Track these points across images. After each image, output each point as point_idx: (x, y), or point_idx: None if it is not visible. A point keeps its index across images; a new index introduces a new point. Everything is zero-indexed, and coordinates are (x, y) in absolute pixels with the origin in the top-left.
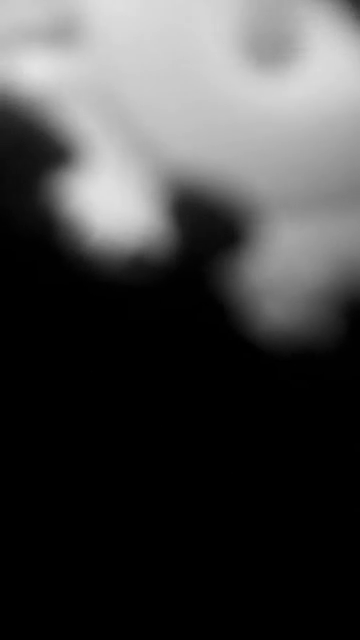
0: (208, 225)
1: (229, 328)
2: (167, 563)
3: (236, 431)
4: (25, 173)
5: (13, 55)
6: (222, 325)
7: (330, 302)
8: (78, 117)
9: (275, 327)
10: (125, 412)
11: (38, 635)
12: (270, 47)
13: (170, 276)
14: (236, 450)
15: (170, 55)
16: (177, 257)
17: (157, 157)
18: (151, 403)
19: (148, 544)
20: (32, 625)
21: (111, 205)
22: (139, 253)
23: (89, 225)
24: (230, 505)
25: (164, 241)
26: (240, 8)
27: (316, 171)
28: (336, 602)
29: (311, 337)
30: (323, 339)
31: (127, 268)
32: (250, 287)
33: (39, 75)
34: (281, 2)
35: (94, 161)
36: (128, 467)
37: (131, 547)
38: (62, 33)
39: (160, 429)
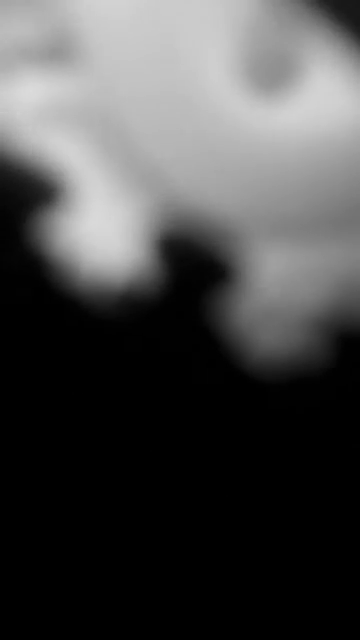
0: (198, 258)
1: (221, 360)
2: (166, 571)
3: (231, 461)
4: (12, 211)
5: (6, 75)
6: (214, 358)
7: (323, 329)
8: (70, 144)
9: (268, 356)
10: (116, 446)
11: (38, 635)
12: (269, 70)
13: (160, 311)
14: (231, 481)
15: (168, 77)
16: (167, 292)
17: (151, 188)
18: (143, 437)
19: (144, 557)
20: (32, 625)
21: (100, 241)
22: (128, 289)
23: (78, 262)
24: (224, 530)
25: (153, 276)
26: (239, 31)
27: (310, 197)
28: (336, 603)
29: (304, 365)
30: (316, 366)
31: (116, 304)
32: (242, 318)
33: (32, 98)
34: (280, 25)
35: (84, 195)
36: (123, 498)
37: (129, 555)
38: (57, 52)
39: (153, 462)
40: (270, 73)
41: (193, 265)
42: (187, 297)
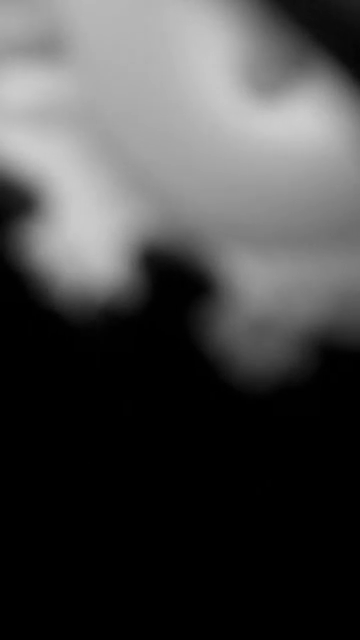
0: (182, 270)
1: (203, 373)
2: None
3: (212, 472)
4: None
5: None
6: (196, 370)
7: (312, 342)
8: (53, 149)
9: (252, 369)
10: (94, 458)
11: (38, 635)
12: (263, 78)
13: (142, 324)
14: (217, 491)
15: (158, 80)
16: (149, 304)
17: (136, 196)
18: (123, 450)
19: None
20: (32, 625)
21: (80, 253)
22: (109, 301)
23: (58, 274)
24: (213, 536)
25: (135, 288)
26: (234, 35)
27: (303, 209)
28: (322, 609)
29: (291, 378)
30: (304, 379)
31: (97, 317)
32: (226, 330)
33: (17, 98)
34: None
35: (65, 204)
36: (109, 506)
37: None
38: (46, 49)
39: (136, 475)
40: (265, 81)
41: (177, 277)
42: (170, 309)
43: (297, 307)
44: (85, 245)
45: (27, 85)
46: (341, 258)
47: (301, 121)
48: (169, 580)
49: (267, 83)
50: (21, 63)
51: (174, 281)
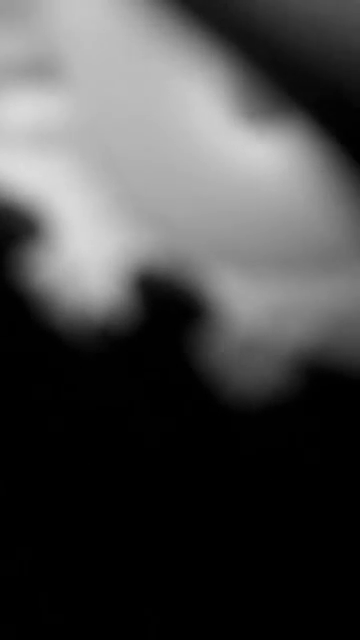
0: (177, 293)
1: (198, 393)
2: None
3: (204, 490)
4: None
5: None
6: (191, 391)
7: (302, 364)
8: (52, 172)
9: (244, 391)
10: (93, 478)
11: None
12: (253, 106)
13: (139, 345)
14: (207, 508)
15: (154, 105)
16: (146, 326)
17: (133, 221)
18: (120, 470)
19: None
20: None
21: (79, 276)
22: (107, 323)
23: (58, 297)
24: (199, 554)
25: (132, 311)
26: (232, 66)
27: (293, 233)
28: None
29: (281, 399)
30: (288, 400)
31: (96, 339)
32: (219, 352)
33: (15, 120)
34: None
35: (65, 228)
36: (107, 524)
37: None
38: (42, 72)
39: (131, 497)
40: (252, 112)
41: (170, 300)
42: (165, 331)
43: (287, 328)
44: (84, 268)
45: (25, 107)
46: (331, 280)
47: (287, 150)
48: (169, 581)
49: (254, 114)
50: (18, 85)
51: (168, 303)
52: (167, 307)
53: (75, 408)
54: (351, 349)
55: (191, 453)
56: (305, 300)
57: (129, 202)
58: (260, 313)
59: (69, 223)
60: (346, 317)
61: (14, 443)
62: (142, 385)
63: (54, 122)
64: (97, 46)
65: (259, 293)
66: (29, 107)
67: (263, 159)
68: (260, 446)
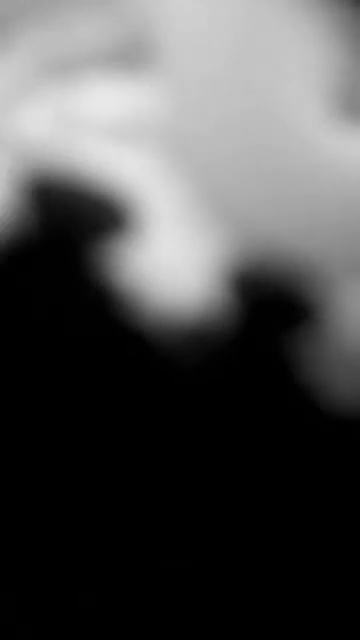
0: (275, 298)
1: (298, 402)
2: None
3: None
4: (77, 238)
5: (75, 85)
6: (289, 400)
7: None
8: (142, 165)
9: (346, 399)
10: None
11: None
12: (353, 104)
13: (233, 352)
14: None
15: (249, 100)
16: (241, 331)
17: (227, 218)
18: (215, 481)
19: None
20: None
21: (170, 274)
22: (199, 327)
23: (146, 295)
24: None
25: (227, 314)
26: (332, 58)
27: None
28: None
29: None
30: None
31: (186, 342)
32: (320, 362)
33: (102, 112)
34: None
35: (154, 223)
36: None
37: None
38: (130, 60)
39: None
40: (354, 107)
41: (270, 305)
42: (263, 337)
43: None
44: (175, 266)
45: (116, 97)
46: None
47: None
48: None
49: (355, 108)
50: (110, 73)
51: (268, 308)
52: (266, 311)
53: (165, 416)
54: None
55: (293, 460)
56: None
57: (221, 199)
58: None
59: (160, 219)
60: None
61: (102, 456)
62: (237, 396)
63: (146, 113)
64: (193, 32)
65: None
66: (121, 96)
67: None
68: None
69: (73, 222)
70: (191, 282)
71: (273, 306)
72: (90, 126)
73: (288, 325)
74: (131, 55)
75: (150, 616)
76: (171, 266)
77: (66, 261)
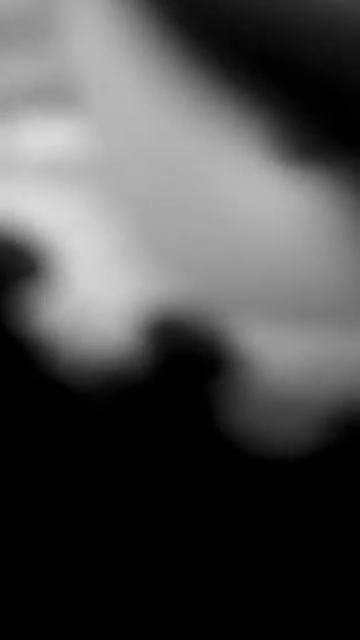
0: (193, 342)
1: (212, 447)
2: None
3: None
4: None
5: (3, 122)
6: (204, 445)
7: (329, 418)
8: (63, 205)
9: (269, 444)
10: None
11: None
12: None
13: (150, 396)
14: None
15: (178, 136)
16: (158, 375)
17: (147, 262)
18: (127, 515)
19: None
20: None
21: (86, 319)
22: (115, 371)
23: (62, 341)
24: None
25: (143, 359)
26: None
27: (321, 284)
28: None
29: (310, 452)
30: (322, 454)
31: (102, 387)
32: (239, 406)
33: (30, 146)
34: None
35: (71, 267)
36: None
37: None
38: (57, 98)
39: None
40: (285, 152)
41: (192, 349)
42: (183, 383)
43: (320, 382)
44: (93, 311)
45: (38, 135)
46: None
47: (316, 196)
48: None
49: (285, 157)
50: (32, 111)
51: (187, 353)
52: (186, 357)
53: (80, 458)
54: None
55: (212, 509)
56: (340, 352)
57: (146, 242)
58: (290, 365)
59: (80, 262)
60: None
61: (17, 494)
62: (154, 440)
63: (69, 152)
64: (117, 71)
65: (290, 344)
66: (43, 135)
67: (289, 204)
68: (300, 496)
69: None
70: (107, 328)
71: (191, 353)
72: (10, 167)
73: (206, 372)
74: (53, 93)
75: (150, 616)
76: (89, 311)
77: None
